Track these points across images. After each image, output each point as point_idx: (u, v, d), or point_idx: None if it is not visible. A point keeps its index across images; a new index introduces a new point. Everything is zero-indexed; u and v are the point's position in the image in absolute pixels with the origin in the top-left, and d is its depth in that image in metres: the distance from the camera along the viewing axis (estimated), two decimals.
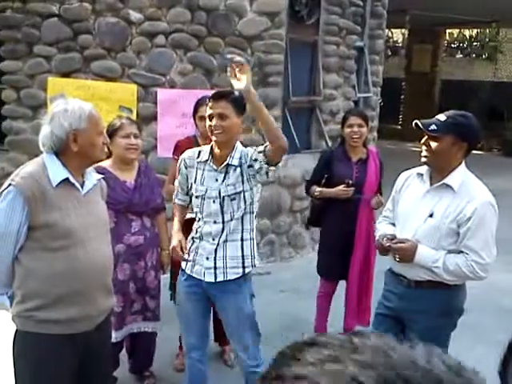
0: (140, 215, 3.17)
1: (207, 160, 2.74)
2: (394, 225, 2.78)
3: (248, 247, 2.81)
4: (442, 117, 2.52)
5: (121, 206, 3.04)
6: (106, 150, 2.34)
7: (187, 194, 2.89)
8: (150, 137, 5.16)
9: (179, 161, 2.86)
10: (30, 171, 2.11)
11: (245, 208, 2.75)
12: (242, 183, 2.72)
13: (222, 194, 2.71)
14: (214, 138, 2.67)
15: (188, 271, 2.85)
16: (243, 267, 2.79)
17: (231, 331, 2.90)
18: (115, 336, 3.07)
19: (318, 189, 3.75)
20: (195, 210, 2.83)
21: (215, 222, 2.75)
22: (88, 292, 2.22)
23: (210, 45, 5.14)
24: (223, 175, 2.72)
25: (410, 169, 2.80)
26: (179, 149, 3.50)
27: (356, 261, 3.77)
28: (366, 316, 3.86)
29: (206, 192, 2.73)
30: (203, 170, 2.76)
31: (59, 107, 2.19)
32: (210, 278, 2.76)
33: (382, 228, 2.82)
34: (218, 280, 2.76)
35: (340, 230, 3.75)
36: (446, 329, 2.65)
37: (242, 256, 2.79)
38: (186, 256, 2.81)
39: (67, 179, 2.16)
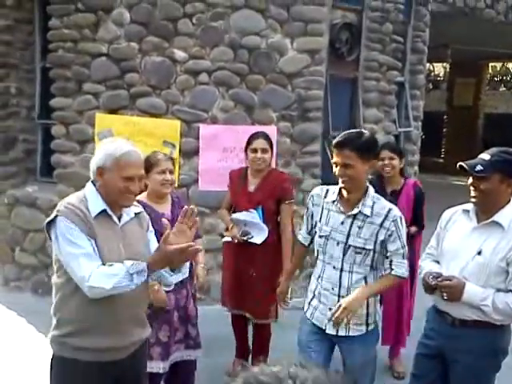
0: None
1: (335, 201, 2.68)
2: (438, 262, 2.73)
3: (372, 304, 2.71)
4: (485, 156, 2.49)
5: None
6: (132, 197, 2.30)
7: (310, 233, 2.87)
8: (192, 171, 5.27)
9: (308, 197, 2.85)
10: (72, 203, 2.19)
11: (371, 266, 2.67)
12: (375, 243, 2.61)
13: (349, 243, 2.63)
14: (341, 185, 2.62)
15: (309, 315, 2.78)
16: (367, 324, 2.70)
17: (352, 374, 2.75)
18: (162, 366, 3.11)
19: None
20: (317, 249, 2.78)
21: (334, 268, 2.67)
22: (120, 323, 2.26)
23: (252, 82, 5.26)
24: (351, 221, 2.63)
25: (454, 204, 2.76)
26: (231, 178, 3.83)
27: None
28: (402, 338, 4.09)
29: (330, 233, 2.67)
30: (329, 210, 2.70)
31: (105, 143, 2.30)
32: (331, 331, 2.69)
33: (426, 266, 2.76)
34: (339, 334, 2.68)
35: None
36: (490, 370, 2.58)
37: (367, 314, 2.69)
38: (287, 302, 2.94)
39: (105, 211, 2.22)
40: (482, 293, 2.43)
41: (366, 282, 2.65)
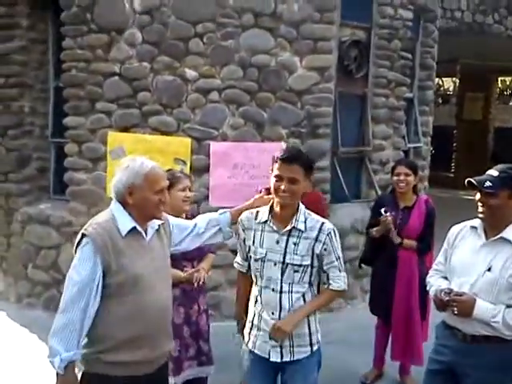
0: (191, 261, 3.28)
1: (267, 220, 2.60)
2: (446, 278, 2.74)
3: (314, 322, 2.65)
4: (494, 172, 2.52)
5: (176, 252, 3.13)
6: (162, 208, 2.37)
7: (246, 259, 2.76)
8: (203, 187, 5.32)
9: (238, 222, 2.73)
10: (101, 222, 2.26)
11: (309, 282, 2.61)
12: (312, 258, 2.56)
13: (287, 261, 2.54)
14: (279, 200, 2.53)
15: (251, 346, 2.69)
16: (311, 345, 2.63)
17: None
18: (174, 382, 3.12)
19: (374, 229, 4.04)
20: (254, 274, 2.67)
21: (273, 290, 2.57)
22: (152, 335, 2.30)
23: (261, 100, 5.33)
24: (286, 238, 2.56)
25: (465, 219, 2.77)
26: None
27: (398, 301, 3.99)
28: (417, 355, 4.02)
29: (266, 255, 2.58)
30: (262, 231, 2.62)
31: (126, 163, 2.34)
32: (275, 358, 2.59)
33: (434, 282, 2.76)
34: (284, 360, 2.59)
35: (383, 271, 4.06)
36: None
37: (309, 333, 2.62)
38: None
39: (134, 228, 2.29)
40: (492, 309, 2.44)
41: (304, 300, 2.59)
